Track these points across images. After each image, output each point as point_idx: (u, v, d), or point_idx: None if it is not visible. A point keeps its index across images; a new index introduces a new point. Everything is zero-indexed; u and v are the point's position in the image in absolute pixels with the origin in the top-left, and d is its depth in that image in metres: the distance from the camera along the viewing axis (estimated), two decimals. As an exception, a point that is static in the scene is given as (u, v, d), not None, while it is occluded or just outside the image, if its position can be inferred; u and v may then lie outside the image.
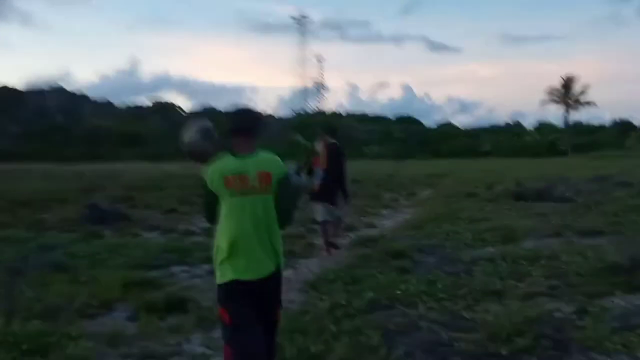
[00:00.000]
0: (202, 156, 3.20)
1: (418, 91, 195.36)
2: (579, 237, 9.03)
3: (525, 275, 6.63)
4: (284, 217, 3.20)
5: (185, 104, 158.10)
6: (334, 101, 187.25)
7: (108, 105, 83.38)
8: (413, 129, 79.02)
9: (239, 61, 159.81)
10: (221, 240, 3.09)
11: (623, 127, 74.64)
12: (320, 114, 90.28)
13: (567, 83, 72.49)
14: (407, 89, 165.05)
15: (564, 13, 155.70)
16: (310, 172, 8.15)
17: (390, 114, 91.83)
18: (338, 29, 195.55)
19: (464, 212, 12.77)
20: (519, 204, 14.30)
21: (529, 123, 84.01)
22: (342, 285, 6.49)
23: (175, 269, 7.84)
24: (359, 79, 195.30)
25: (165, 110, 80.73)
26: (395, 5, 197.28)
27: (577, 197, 14.67)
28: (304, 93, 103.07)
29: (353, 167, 10.95)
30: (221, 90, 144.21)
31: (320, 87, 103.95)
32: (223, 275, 3.08)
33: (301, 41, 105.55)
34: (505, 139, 71.09)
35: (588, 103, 72.29)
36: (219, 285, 3.12)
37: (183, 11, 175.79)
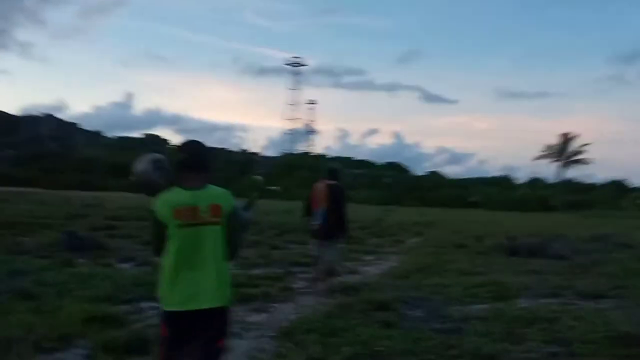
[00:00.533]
0: (152, 187, 3.29)
1: (409, 139, 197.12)
2: (579, 299, 8.39)
3: (521, 339, 5.98)
4: (233, 249, 3.24)
5: (175, 138, 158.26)
6: (323, 144, 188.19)
7: (99, 135, 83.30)
8: (401, 175, 78.92)
9: (231, 101, 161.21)
10: (167, 269, 3.13)
11: (617, 188, 74.88)
12: (308, 155, 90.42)
13: (566, 140, 72.75)
14: (398, 136, 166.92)
15: (563, 71, 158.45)
16: (309, 213, 8.39)
17: (378, 160, 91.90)
18: (333, 75, 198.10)
19: (454, 264, 12.13)
20: (512, 259, 13.67)
21: (520, 177, 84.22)
22: (318, 336, 5.84)
23: (144, 304, 7.20)
24: (349, 124, 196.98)
25: (155, 143, 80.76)
26: (392, 55, 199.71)
27: (574, 256, 14.04)
28: (294, 135, 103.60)
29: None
30: (212, 127, 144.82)
31: (309, 130, 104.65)
32: (167, 303, 3.13)
33: (294, 85, 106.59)
34: (495, 191, 70.95)
35: (584, 161, 72.43)
36: (163, 311, 3.17)
37: (180, 51, 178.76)
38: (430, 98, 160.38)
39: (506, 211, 54.75)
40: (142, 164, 3.39)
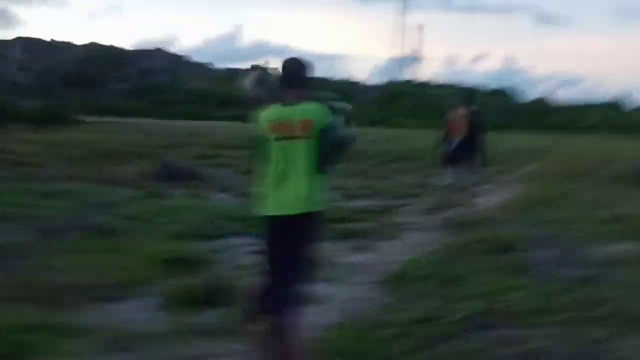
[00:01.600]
0: (257, 102, 2.98)
1: (519, 64, 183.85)
2: None
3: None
4: (324, 162, 3.25)
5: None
6: (430, 71, 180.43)
7: (208, 67, 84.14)
8: (510, 101, 73.99)
9: (338, 30, 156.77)
10: (263, 177, 3.28)
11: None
12: (414, 82, 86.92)
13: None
14: (508, 61, 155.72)
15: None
16: (445, 142, 8.00)
17: (486, 86, 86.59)
18: None
19: (579, 195, 10.50)
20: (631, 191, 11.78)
21: (637, 101, 76.39)
22: (435, 284, 4.80)
23: (235, 240, 6.46)
24: (458, 50, 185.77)
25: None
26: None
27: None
28: (400, 62, 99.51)
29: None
30: (318, 57, 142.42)
31: (416, 57, 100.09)
32: (261, 208, 3.26)
33: (402, 10, 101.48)
34: (610, 116, 64.96)
35: None
36: (259, 217, 3.29)
37: None
38: (544, 18, 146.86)
39: (621, 135, 50.05)
40: (248, 81, 3.83)
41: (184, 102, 62.65)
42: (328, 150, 3.24)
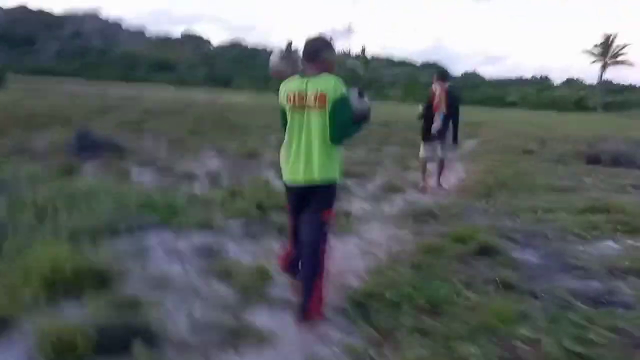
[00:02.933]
0: (282, 76, 3.42)
1: (447, 40, 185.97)
2: None
3: None
4: (337, 133, 3.18)
5: (216, 37, 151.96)
6: (361, 44, 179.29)
7: (141, 33, 79.62)
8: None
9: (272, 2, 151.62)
10: (282, 147, 3.37)
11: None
12: (346, 55, 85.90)
13: (608, 40, 66.68)
14: (436, 37, 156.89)
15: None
16: (430, 117, 7.93)
17: (416, 59, 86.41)
18: None
19: (536, 176, 9.48)
20: (597, 169, 10.94)
21: (556, 79, 78.65)
22: (410, 315, 3.41)
23: (155, 236, 4.84)
24: (388, 23, 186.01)
25: (195, 41, 76.98)
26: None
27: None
28: (332, 34, 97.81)
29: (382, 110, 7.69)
30: (251, 27, 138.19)
31: (349, 30, 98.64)
32: (282, 175, 3.40)
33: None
34: (533, 92, 66.11)
35: (626, 62, 66.68)
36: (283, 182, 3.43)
37: None
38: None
39: (543, 111, 50.79)
40: (273, 56, 3.60)
41: (116, 66, 59.08)
42: (341, 122, 3.17)
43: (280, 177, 3.49)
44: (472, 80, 73.35)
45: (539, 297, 3.85)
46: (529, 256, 4.90)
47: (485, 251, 4.79)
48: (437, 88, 7.91)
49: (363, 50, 71.48)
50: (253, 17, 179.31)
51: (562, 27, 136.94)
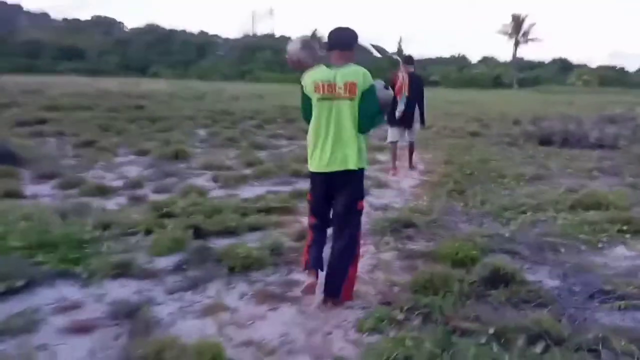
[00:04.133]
0: (301, 65, 3.37)
1: (367, 20, 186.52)
2: None
3: None
4: (365, 123, 3.22)
5: (129, 21, 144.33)
6: (283, 26, 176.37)
7: (45, 16, 73.72)
8: (364, 56, 73.40)
9: None
10: (310, 135, 3.31)
11: (562, 65, 72.45)
12: (270, 36, 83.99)
13: (519, 19, 68.72)
14: (361, 15, 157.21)
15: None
16: (394, 101, 7.13)
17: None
18: None
19: (499, 163, 8.62)
20: (551, 150, 10.30)
21: (472, 57, 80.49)
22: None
23: (43, 298, 3.42)
24: (309, 8, 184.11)
25: (106, 25, 71.96)
26: None
27: (617, 143, 10.78)
28: (254, 16, 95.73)
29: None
30: (168, 8, 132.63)
31: (270, 11, 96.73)
32: (310, 164, 3.34)
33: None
34: (452, 70, 67.05)
35: (535, 39, 69.16)
36: (309, 172, 3.38)
37: None
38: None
39: (465, 89, 51.43)
40: (292, 45, 3.48)
41: (15, 55, 53.83)
42: (370, 112, 3.21)
43: (306, 165, 3.43)
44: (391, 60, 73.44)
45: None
46: (547, 279, 3.89)
47: (496, 278, 3.70)
48: (401, 72, 7.87)
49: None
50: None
51: (472, 8, 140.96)
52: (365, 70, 3.19)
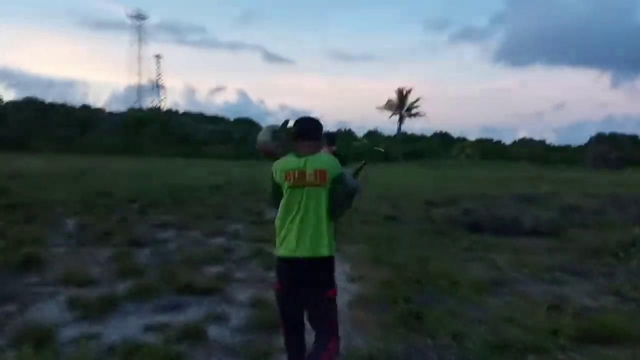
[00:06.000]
0: (271, 153, 3.47)
1: (253, 97, 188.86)
2: None
3: None
4: (336, 209, 3.25)
5: (7, 94, 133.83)
6: (171, 100, 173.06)
7: None
8: (252, 130, 72.58)
9: (69, 56, 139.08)
10: (278, 221, 3.27)
11: (443, 138, 76.40)
12: (157, 110, 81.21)
13: (402, 94, 71.91)
14: (243, 94, 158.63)
15: (386, 36, 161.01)
16: None
17: (228, 115, 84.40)
18: (176, 32, 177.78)
19: (441, 264, 6.97)
20: (487, 240, 8.93)
21: (357, 131, 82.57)
22: None
23: None
24: (196, 81, 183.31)
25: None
26: (233, 14, 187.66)
27: (553, 228, 9.71)
28: (140, 90, 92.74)
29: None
30: (49, 83, 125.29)
31: (157, 86, 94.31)
32: (276, 250, 3.26)
33: (137, 40, 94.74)
34: (341, 144, 67.90)
35: (419, 114, 72.42)
36: (276, 258, 3.27)
37: (7, 1, 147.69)
38: (271, 58, 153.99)
39: (352, 162, 51.62)
40: (262, 135, 3.58)
41: None
42: (339, 199, 3.24)
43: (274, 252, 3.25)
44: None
45: None
46: None
47: None
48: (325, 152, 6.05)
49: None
50: (50, 73, 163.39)
51: (356, 85, 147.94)
52: (334, 158, 3.27)
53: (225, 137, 63.54)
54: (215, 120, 76.69)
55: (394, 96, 73.31)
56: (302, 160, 3.20)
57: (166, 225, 9.54)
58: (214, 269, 6.38)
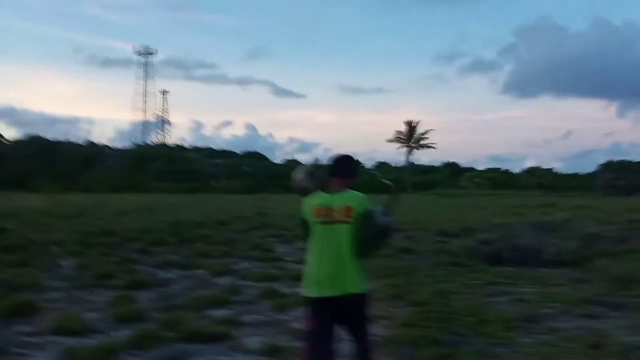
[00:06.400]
0: (305, 191, 3.50)
1: (261, 131, 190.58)
2: None
3: None
4: (362, 247, 3.21)
5: (9, 132, 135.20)
6: (177, 136, 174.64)
7: None
8: (261, 164, 72.64)
9: (74, 93, 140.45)
10: (309, 258, 3.30)
11: (452, 169, 76.18)
12: (163, 146, 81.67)
13: (411, 127, 71.99)
14: (251, 128, 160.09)
15: (395, 70, 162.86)
16: None
17: (235, 149, 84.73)
18: (184, 68, 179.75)
19: (464, 299, 6.53)
20: (508, 272, 8.47)
21: (366, 163, 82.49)
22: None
23: None
24: (203, 116, 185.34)
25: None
26: (242, 50, 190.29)
27: (575, 258, 9.23)
28: (145, 126, 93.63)
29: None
30: (53, 120, 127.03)
31: (163, 121, 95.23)
32: (307, 289, 3.24)
33: (144, 75, 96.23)
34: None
35: (428, 145, 72.33)
36: (304, 297, 3.27)
37: (13, 40, 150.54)
38: (280, 92, 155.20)
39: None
40: (300, 174, 3.66)
41: None
42: (367, 236, 3.20)
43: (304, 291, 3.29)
44: (293, 166, 72.89)
45: None
46: None
47: None
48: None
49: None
50: (52, 110, 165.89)
51: (367, 117, 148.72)
52: (364, 195, 3.25)
53: (234, 171, 63.51)
54: (223, 154, 76.92)
55: (403, 128, 73.43)
56: (330, 196, 3.25)
57: (170, 265, 9.15)
58: (220, 313, 5.96)
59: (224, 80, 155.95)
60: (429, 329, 5.15)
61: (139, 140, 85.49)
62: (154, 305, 6.28)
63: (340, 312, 3.19)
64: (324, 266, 3.16)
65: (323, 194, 3.29)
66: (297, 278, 7.90)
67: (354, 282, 3.16)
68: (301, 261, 9.78)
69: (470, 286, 7.37)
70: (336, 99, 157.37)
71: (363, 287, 3.21)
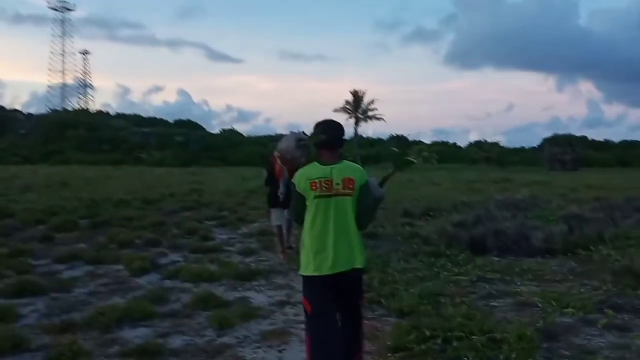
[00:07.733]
0: (293, 162, 3.40)
1: (195, 98, 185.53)
2: None
3: None
4: (363, 219, 3.23)
5: None
6: (101, 101, 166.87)
7: None
8: (195, 133, 69.93)
9: None
10: (306, 236, 3.20)
11: (400, 141, 76.24)
12: (84, 112, 77.35)
13: (357, 97, 70.96)
14: (184, 94, 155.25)
15: (336, 37, 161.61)
16: (274, 183, 7.70)
17: (167, 117, 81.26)
18: (107, 27, 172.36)
19: (453, 304, 5.39)
20: (496, 263, 7.46)
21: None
22: None
23: None
24: (130, 80, 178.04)
25: None
26: (173, 9, 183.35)
27: (557, 244, 8.35)
28: (64, 90, 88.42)
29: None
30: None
31: (84, 84, 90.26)
32: (306, 268, 3.17)
33: (62, 34, 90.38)
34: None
35: (376, 117, 71.71)
36: (303, 277, 3.22)
37: None
38: (215, 56, 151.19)
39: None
40: (285, 142, 3.48)
41: None
42: (367, 207, 3.23)
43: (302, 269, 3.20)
44: (231, 137, 70.85)
45: None
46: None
47: None
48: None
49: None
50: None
51: (308, 85, 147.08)
52: (361, 167, 3.26)
53: (164, 141, 60.61)
54: (153, 122, 73.59)
55: (348, 98, 72.48)
56: (328, 168, 3.14)
57: (75, 259, 7.50)
58: (137, 333, 4.53)
59: (152, 41, 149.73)
60: (428, 357, 3.95)
61: (57, 105, 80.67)
62: (44, 321, 4.77)
63: (340, 290, 3.16)
64: (330, 241, 3.09)
65: (319, 165, 3.16)
66: (243, 277, 6.54)
67: (359, 256, 3.18)
68: (246, 252, 8.54)
69: (458, 284, 6.25)
70: (276, 65, 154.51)
71: (365, 261, 3.26)
